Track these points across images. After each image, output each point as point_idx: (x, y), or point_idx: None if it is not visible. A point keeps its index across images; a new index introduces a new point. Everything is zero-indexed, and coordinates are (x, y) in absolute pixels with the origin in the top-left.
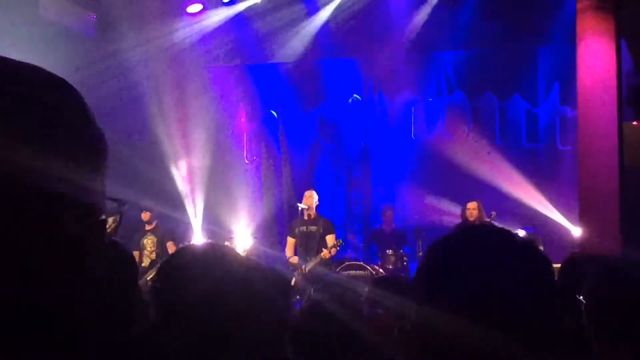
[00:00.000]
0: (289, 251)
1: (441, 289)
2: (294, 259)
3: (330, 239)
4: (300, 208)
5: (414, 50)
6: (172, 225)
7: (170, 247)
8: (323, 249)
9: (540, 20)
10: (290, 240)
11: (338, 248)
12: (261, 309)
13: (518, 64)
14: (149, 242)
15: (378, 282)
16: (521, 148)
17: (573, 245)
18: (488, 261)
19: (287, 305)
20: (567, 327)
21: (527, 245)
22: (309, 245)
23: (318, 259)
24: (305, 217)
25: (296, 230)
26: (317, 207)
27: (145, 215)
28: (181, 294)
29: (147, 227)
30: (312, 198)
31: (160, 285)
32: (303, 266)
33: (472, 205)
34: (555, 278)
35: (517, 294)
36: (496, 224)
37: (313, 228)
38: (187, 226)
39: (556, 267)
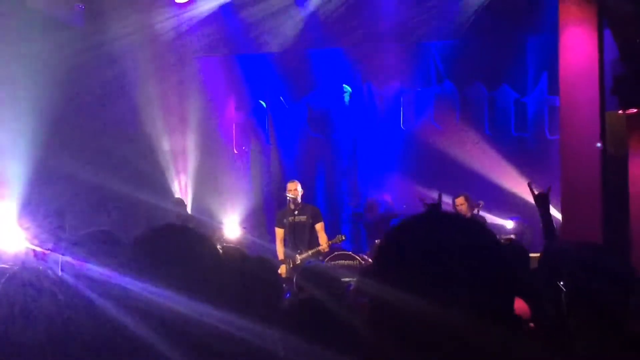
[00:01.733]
0: (279, 243)
1: (395, 268)
2: (283, 253)
3: (319, 227)
4: (289, 198)
5: (403, 39)
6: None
7: None
8: (323, 243)
9: (529, 9)
10: (279, 231)
11: (339, 243)
12: (251, 297)
13: (507, 53)
14: None
15: (366, 271)
16: (510, 137)
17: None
18: (438, 242)
19: (276, 293)
20: (547, 312)
21: (476, 226)
22: (299, 235)
23: (314, 251)
24: (292, 207)
25: (284, 220)
26: (302, 195)
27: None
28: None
29: None
30: (297, 189)
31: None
32: (296, 256)
33: (459, 201)
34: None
35: (466, 272)
36: (484, 213)
37: (302, 218)
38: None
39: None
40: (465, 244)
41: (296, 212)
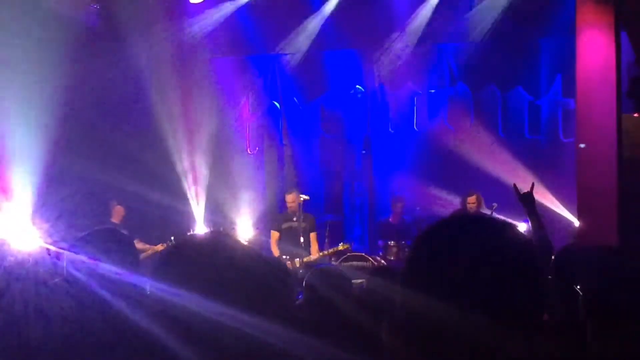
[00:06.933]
0: (273, 246)
1: (426, 276)
2: (277, 253)
3: (313, 237)
4: (302, 199)
5: (417, 41)
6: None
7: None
8: (314, 252)
9: (543, 11)
10: (274, 234)
11: (344, 249)
12: (262, 298)
13: (520, 55)
14: None
15: (377, 272)
16: (523, 140)
17: (574, 237)
18: (470, 249)
19: (287, 294)
20: (562, 315)
21: (508, 232)
22: (295, 240)
23: (320, 255)
24: (290, 213)
25: (282, 225)
26: (301, 202)
27: None
28: (183, 282)
29: None
30: (295, 201)
31: (163, 272)
32: (295, 260)
33: (471, 200)
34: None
35: (499, 279)
36: (498, 216)
37: (300, 224)
38: (189, 216)
39: None
40: (498, 249)
41: (294, 219)
